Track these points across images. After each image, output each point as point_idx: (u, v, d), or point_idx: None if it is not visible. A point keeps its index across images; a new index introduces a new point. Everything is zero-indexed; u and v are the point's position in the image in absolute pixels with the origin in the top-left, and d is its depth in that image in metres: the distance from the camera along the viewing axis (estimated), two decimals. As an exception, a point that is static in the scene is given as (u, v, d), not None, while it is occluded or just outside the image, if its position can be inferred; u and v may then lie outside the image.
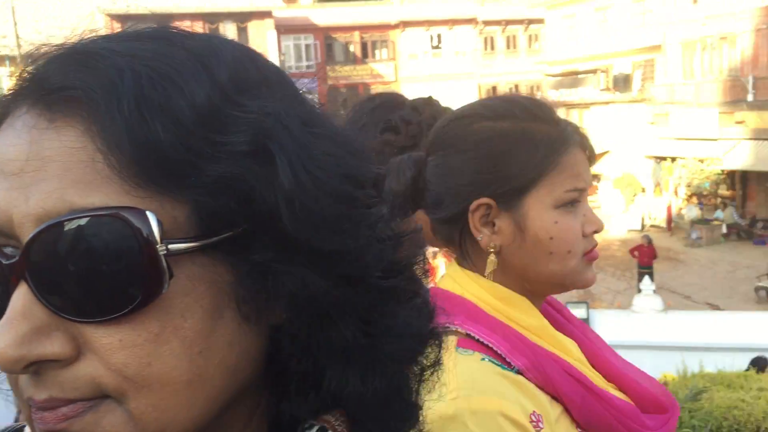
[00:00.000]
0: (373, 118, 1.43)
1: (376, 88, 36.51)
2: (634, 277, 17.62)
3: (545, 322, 1.02)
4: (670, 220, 25.60)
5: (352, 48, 36.14)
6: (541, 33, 37.03)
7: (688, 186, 25.34)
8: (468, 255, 1.04)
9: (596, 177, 29.78)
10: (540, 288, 1.02)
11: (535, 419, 0.91)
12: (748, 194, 25.36)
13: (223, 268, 0.47)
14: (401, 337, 0.54)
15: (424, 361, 0.58)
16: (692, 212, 24.82)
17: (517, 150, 0.99)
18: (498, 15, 38.25)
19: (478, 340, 0.96)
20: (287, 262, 0.47)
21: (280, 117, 0.49)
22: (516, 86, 39.17)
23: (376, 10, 36.44)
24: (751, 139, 23.74)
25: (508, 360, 0.95)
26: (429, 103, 1.46)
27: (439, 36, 37.73)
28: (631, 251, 18.57)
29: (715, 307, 16.37)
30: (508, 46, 39.42)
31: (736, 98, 24.18)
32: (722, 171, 24.35)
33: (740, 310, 14.41)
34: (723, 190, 25.50)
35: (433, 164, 1.05)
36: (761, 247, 21.80)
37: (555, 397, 0.96)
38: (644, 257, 17.86)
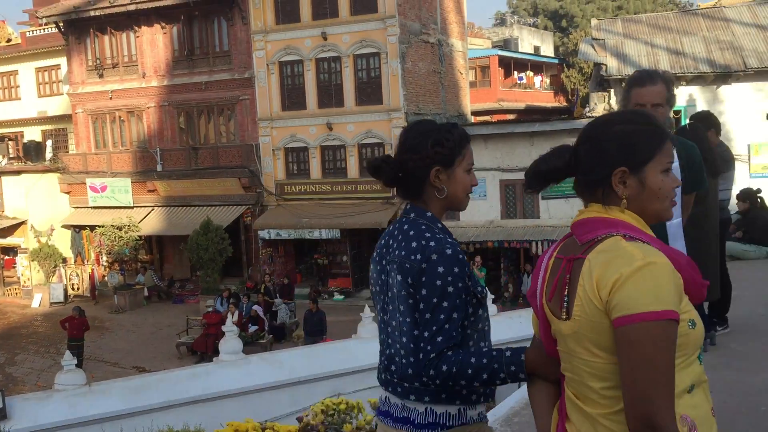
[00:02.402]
0: (423, 137, 2.15)
1: None
2: (60, 352, 16.95)
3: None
4: (94, 289, 25.49)
5: None
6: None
7: (109, 253, 25.69)
8: (607, 200, 1.72)
9: (12, 249, 27.74)
10: (647, 219, 1.73)
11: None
12: (165, 257, 27.08)
13: None
14: None
15: None
16: (114, 279, 25.22)
17: (642, 141, 1.70)
18: None
19: (633, 237, 1.64)
20: None
21: None
22: None
23: None
24: (162, 206, 25.53)
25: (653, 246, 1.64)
26: (455, 126, 2.21)
27: None
28: (62, 324, 17.81)
29: (143, 369, 16.82)
30: None
31: (147, 168, 25.72)
32: (140, 237, 25.45)
33: (164, 368, 14.91)
34: (143, 255, 26.62)
35: (585, 149, 1.75)
36: (180, 305, 23.47)
37: None
38: (75, 329, 17.34)
